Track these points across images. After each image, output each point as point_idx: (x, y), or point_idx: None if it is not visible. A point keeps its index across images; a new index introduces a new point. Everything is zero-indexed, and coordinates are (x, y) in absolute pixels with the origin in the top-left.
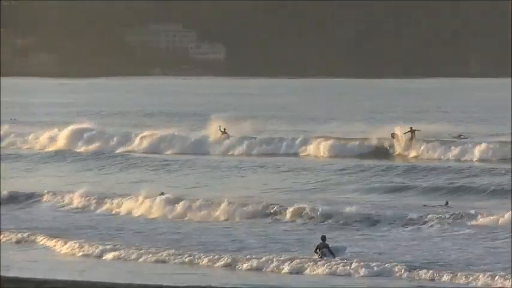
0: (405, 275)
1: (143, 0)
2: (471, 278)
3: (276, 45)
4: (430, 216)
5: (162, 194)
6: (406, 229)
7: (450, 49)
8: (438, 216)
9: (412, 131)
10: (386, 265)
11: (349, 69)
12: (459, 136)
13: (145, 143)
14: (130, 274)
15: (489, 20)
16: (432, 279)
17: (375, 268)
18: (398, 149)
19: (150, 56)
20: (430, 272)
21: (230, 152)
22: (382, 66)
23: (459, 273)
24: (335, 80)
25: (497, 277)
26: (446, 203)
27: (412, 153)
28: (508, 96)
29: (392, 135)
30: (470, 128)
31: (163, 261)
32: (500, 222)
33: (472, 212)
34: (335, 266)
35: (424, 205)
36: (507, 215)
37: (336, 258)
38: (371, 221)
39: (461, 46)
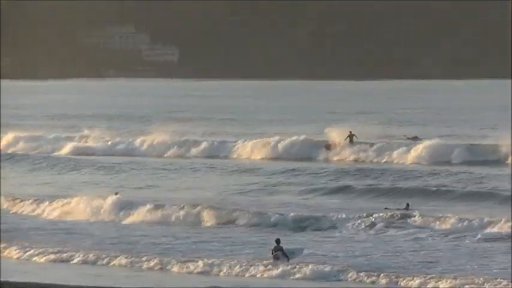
0: (353, 277)
1: (97, 1)
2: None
3: (229, 47)
4: (377, 217)
5: (116, 194)
6: (359, 231)
7: (410, 50)
8: (387, 218)
9: (350, 135)
10: (331, 268)
11: (306, 70)
12: (414, 137)
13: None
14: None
15: (451, 21)
16: (373, 282)
17: (324, 270)
18: (338, 151)
19: (104, 57)
20: (375, 274)
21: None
22: (340, 68)
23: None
24: (289, 81)
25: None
26: (407, 205)
27: (351, 156)
28: (464, 98)
29: (327, 146)
30: (426, 130)
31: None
32: (451, 224)
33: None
34: (282, 269)
35: (386, 208)
36: (454, 218)
37: (291, 261)
38: (322, 224)
39: (421, 48)
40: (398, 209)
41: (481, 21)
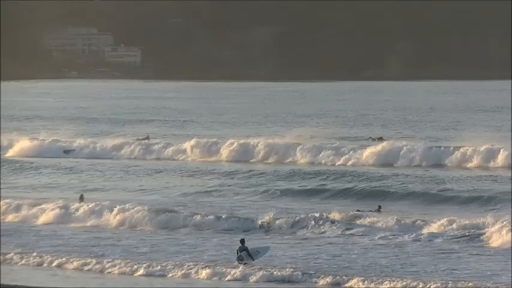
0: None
1: (60, 2)
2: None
3: (192, 48)
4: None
5: (82, 196)
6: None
7: (369, 52)
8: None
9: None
10: (287, 271)
11: (268, 72)
12: (380, 138)
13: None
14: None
15: (408, 23)
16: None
17: (274, 273)
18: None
19: (67, 59)
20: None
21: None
22: (300, 69)
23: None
24: (252, 83)
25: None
26: (379, 208)
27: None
28: (422, 99)
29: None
30: (388, 131)
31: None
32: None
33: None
34: (237, 272)
35: (358, 210)
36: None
37: (256, 260)
38: (280, 226)
39: (381, 49)
40: (370, 211)
41: (435, 22)
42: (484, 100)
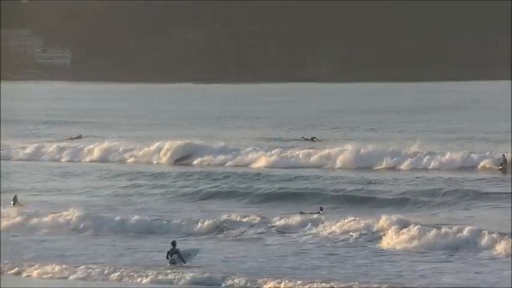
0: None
1: None
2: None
3: (124, 50)
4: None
5: (15, 197)
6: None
7: (299, 53)
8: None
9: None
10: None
11: (199, 73)
12: (312, 138)
13: None
14: None
15: (339, 24)
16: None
17: (201, 276)
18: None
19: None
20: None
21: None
22: (231, 71)
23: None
24: (182, 84)
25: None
26: (321, 209)
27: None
28: (351, 100)
29: None
30: (321, 132)
31: None
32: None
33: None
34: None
35: (301, 212)
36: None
37: (189, 262)
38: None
39: (311, 51)
40: (311, 213)
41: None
42: (421, 101)
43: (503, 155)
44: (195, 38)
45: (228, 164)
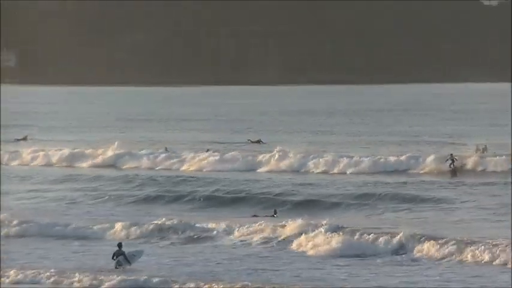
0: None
1: None
2: None
3: (71, 51)
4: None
5: None
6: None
7: (248, 55)
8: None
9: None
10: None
11: (145, 76)
12: (258, 141)
13: None
14: None
15: (287, 26)
16: None
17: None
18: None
19: None
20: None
21: None
22: (176, 74)
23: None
24: (128, 88)
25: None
26: (275, 212)
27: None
28: (300, 102)
29: None
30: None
31: None
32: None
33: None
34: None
35: (254, 215)
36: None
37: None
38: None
39: (259, 52)
40: (266, 216)
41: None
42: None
43: (451, 155)
44: (141, 40)
45: (175, 167)
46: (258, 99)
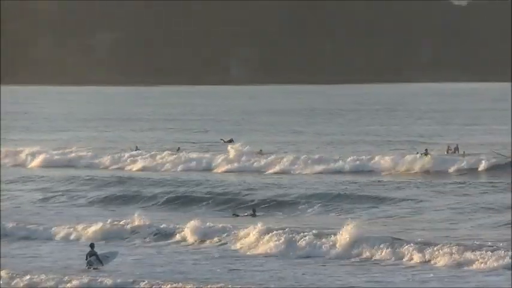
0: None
1: None
2: None
3: (32, 52)
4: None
5: None
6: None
7: (212, 56)
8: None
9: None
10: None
11: (108, 77)
12: (230, 141)
13: None
14: None
15: (250, 27)
16: None
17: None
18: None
19: None
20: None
21: None
22: (141, 74)
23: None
24: (89, 87)
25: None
26: (254, 211)
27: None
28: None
29: None
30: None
31: None
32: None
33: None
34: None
35: (234, 214)
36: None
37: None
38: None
39: (223, 53)
40: (246, 215)
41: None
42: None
43: (426, 149)
44: (106, 41)
45: (137, 167)
46: (239, 99)
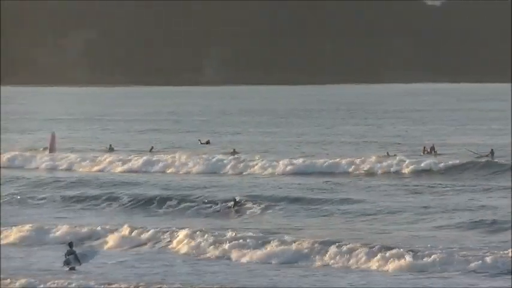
0: None
1: None
2: None
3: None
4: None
5: None
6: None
7: (185, 56)
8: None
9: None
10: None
11: (81, 76)
12: (207, 142)
13: None
14: None
15: (226, 28)
16: None
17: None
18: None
19: None
20: None
21: None
22: (113, 74)
23: None
24: (65, 88)
25: None
26: (235, 201)
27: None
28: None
29: None
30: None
31: None
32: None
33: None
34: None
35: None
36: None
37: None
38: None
39: (195, 53)
40: (228, 207)
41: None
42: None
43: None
44: (78, 40)
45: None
46: (220, 100)
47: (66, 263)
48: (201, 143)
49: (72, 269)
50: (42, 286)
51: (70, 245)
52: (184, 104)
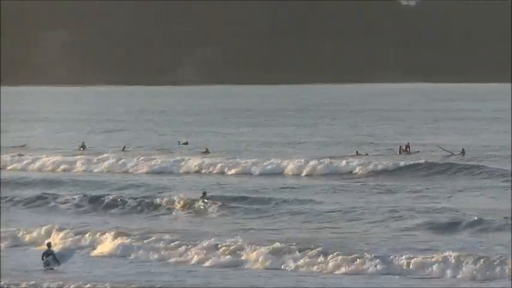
0: None
1: None
2: None
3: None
4: None
5: None
6: None
7: (166, 56)
8: None
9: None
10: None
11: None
12: (186, 143)
13: None
14: None
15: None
16: None
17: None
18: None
19: None
20: None
21: None
22: (93, 73)
23: None
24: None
25: None
26: (204, 194)
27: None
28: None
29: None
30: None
31: None
32: None
33: None
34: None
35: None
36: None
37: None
38: None
39: (173, 53)
40: (194, 199)
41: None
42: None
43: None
44: (57, 40)
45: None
46: (202, 100)
47: (46, 264)
48: (180, 144)
49: (51, 269)
50: None
51: (48, 245)
52: (174, 104)
